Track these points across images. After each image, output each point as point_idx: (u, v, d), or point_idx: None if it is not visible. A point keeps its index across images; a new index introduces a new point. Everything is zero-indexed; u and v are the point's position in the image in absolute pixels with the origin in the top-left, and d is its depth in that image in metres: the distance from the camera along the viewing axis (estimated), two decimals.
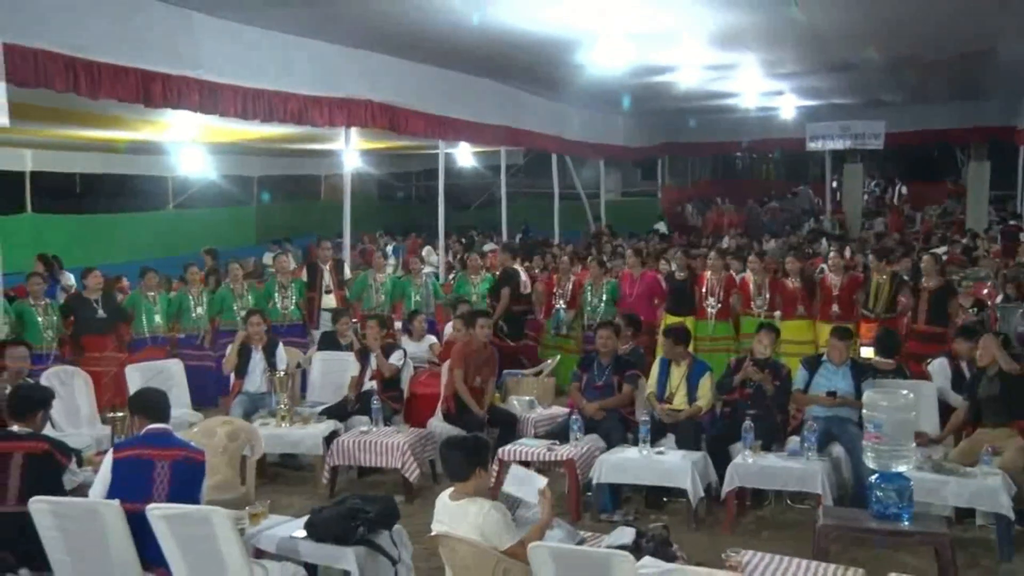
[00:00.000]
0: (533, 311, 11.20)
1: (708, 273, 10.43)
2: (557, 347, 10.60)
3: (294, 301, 10.50)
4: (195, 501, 4.59)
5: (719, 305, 10.15)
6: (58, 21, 8.00)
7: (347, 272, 11.78)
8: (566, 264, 11.38)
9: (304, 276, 11.16)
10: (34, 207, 16.29)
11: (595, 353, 7.76)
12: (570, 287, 10.82)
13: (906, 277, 10.24)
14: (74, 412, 7.59)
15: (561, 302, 10.77)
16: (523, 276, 11.76)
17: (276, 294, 10.49)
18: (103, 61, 8.31)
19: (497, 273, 11.59)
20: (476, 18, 10.14)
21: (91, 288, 9.49)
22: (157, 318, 9.94)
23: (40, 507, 4.43)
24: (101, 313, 9.40)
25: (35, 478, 4.65)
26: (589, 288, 10.61)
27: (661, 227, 22.15)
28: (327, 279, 11.00)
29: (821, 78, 16.66)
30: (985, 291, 10.94)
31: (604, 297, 10.49)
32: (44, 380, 7.36)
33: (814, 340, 9.68)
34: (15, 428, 4.86)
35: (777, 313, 9.91)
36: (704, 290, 10.26)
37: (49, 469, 4.73)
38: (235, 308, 10.24)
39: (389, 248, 19.02)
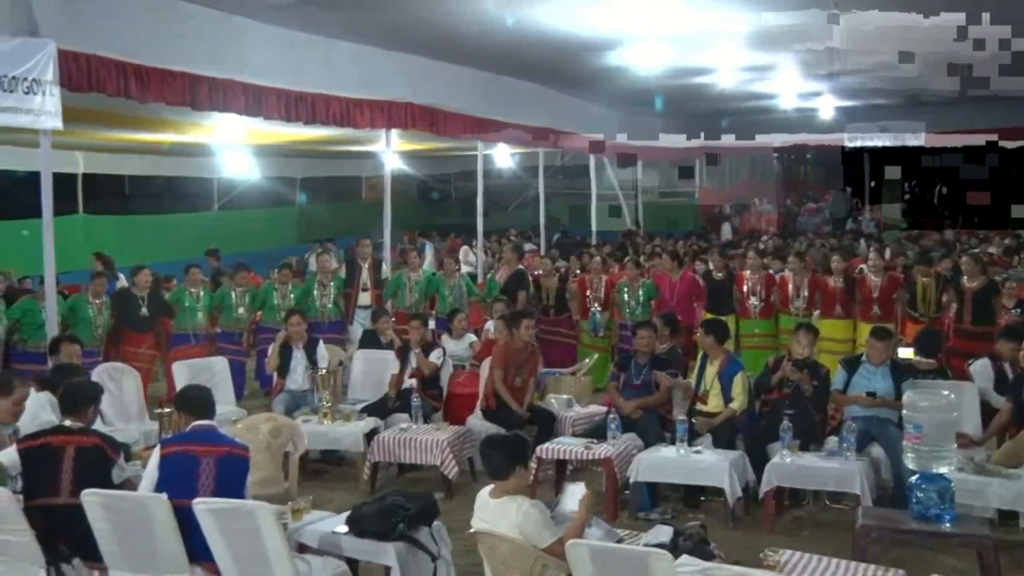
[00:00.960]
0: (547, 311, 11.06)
1: (747, 272, 10.38)
2: (593, 347, 10.59)
3: (332, 298, 10.55)
4: (239, 496, 4.61)
5: (761, 304, 10.13)
6: (109, 27, 8.14)
7: (385, 271, 11.84)
8: (598, 265, 11.35)
9: (343, 273, 11.21)
10: (85, 208, 16.52)
11: (632, 353, 7.72)
12: (603, 288, 10.81)
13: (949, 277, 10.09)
14: (123, 408, 7.68)
15: (596, 304, 10.76)
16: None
17: (316, 291, 10.54)
18: (152, 65, 8.45)
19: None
20: (511, 20, 10.14)
21: (140, 285, 9.64)
22: (199, 314, 10.04)
23: (92, 500, 4.49)
24: (144, 311, 9.54)
25: (86, 472, 4.69)
26: (625, 289, 10.56)
27: (726, 231, 22.17)
28: (364, 277, 11.05)
29: (860, 78, 16.47)
30: None
31: (640, 298, 10.44)
32: (95, 376, 7.46)
33: (852, 339, 9.62)
34: (67, 423, 4.92)
35: (816, 312, 9.82)
36: (745, 289, 10.23)
37: (99, 463, 4.76)
38: (277, 305, 10.31)
39: (427, 247, 19.08)
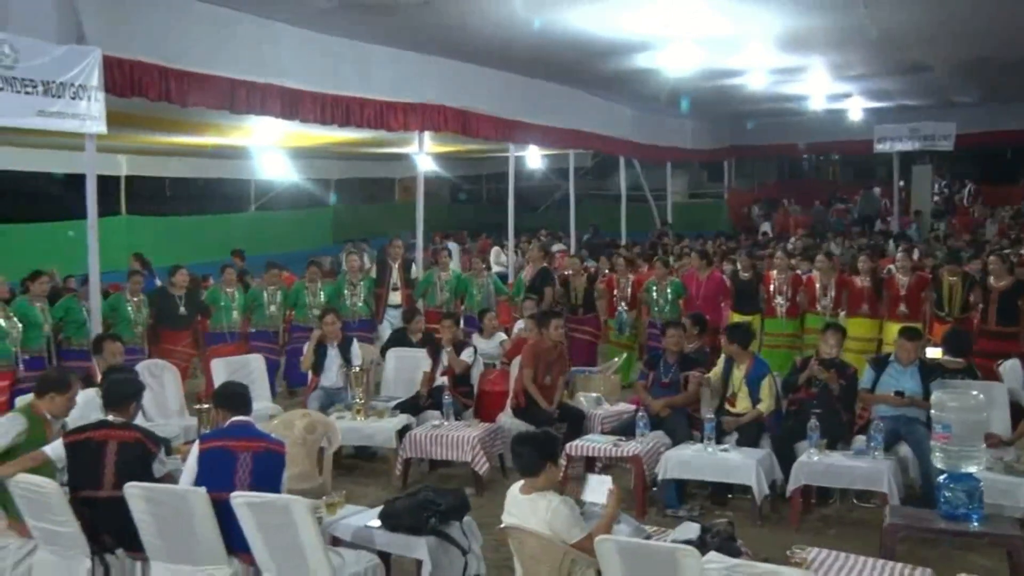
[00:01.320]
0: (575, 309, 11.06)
1: (774, 272, 10.35)
2: (620, 345, 10.63)
3: (363, 298, 10.61)
4: (275, 491, 4.66)
5: (787, 303, 10.09)
6: (152, 34, 8.25)
7: (416, 271, 11.88)
8: (623, 266, 11.36)
9: (374, 273, 11.28)
10: (128, 209, 16.78)
11: (661, 352, 7.72)
12: (629, 288, 10.83)
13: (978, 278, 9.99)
14: (163, 404, 7.78)
15: (623, 303, 10.78)
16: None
17: (346, 291, 10.60)
18: (192, 70, 8.56)
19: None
20: (538, 23, 10.17)
21: (177, 285, 9.78)
22: (234, 313, 10.14)
23: (133, 492, 4.56)
24: (183, 310, 9.68)
25: (127, 465, 4.77)
26: (654, 287, 10.56)
27: (766, 228, 22.11)
28: (395, 276, 11.11)
29: (890, 80, 16.31)
30: None
31: (669, 296, 10.44)
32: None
33: (879, 338, 9.59)
34: (110, 417, 5.01)
35: (842, 312, 9.76)
36: (772, 289, 10.20)
37: (140, 457, 4.84)
38: (308, 304, 10.38)
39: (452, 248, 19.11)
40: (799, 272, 10.72)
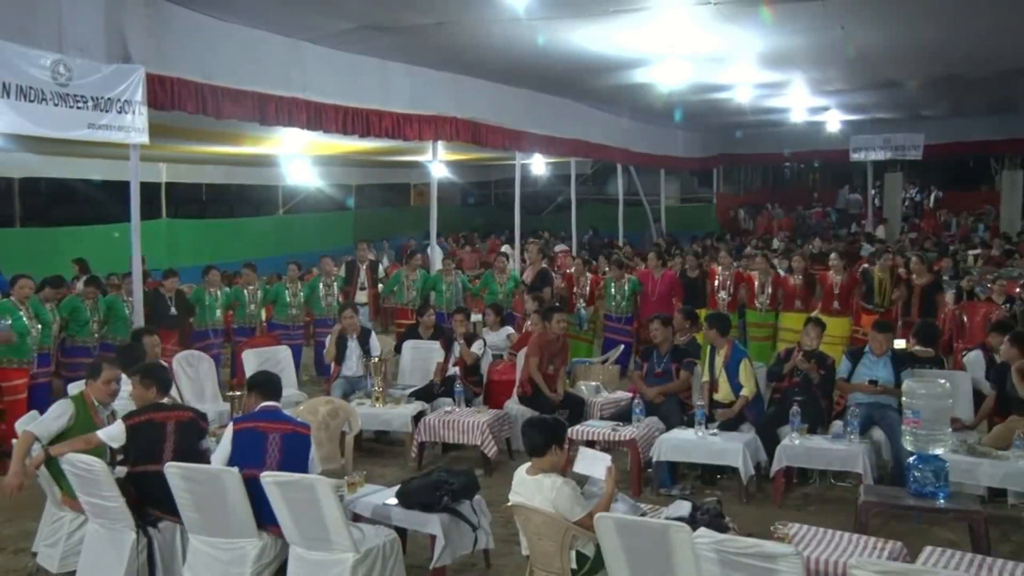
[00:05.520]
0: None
1: (719, 269, 10.47)
2: (578, 338, 10.64)
3: (336, 297, 10.59)
4: (304, 469, 4.68)
5: (729, 298, 10.17)
6: (190, 53, 8.27)
7: (380, 272, 11.84)
8: (580, 266, 11.34)
9: (342, 273, 11.20)
10: (168, 213, 16.79)
11: (655, 345, 7.71)
12: (588, 287, 10.91)
13: (946, 277, 10.07)
14: (199, 390, 7.80)
15: (581, 300, 10.83)
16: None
17: (321, 291, 10.58)
18: (226, 86, 8.57)
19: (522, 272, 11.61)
20: (542, 40, 10.15)
21: (168, 287, 9.61)
22: (217, 312, 9.99)
23: (173, 471, 4.58)
24: (173, 310, 9.50)
25: (185, 440, 4.85)
26: (612, 284, 10.64)
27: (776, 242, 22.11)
28: (362, 277, 11.11)
29: (865, 95, 16.27)
30: (1017, 289, 10.59)
31: (626, 292, 10.54)
32: (176, 363, 7.59)
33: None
34: (164, 400, 5.10)
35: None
36: (716, 284, 10.32)
37: (195, 433, 4.94)
38: (288, 303, 10.38)
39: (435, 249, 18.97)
40: (740, 269, 10.78)
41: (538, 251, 12.64)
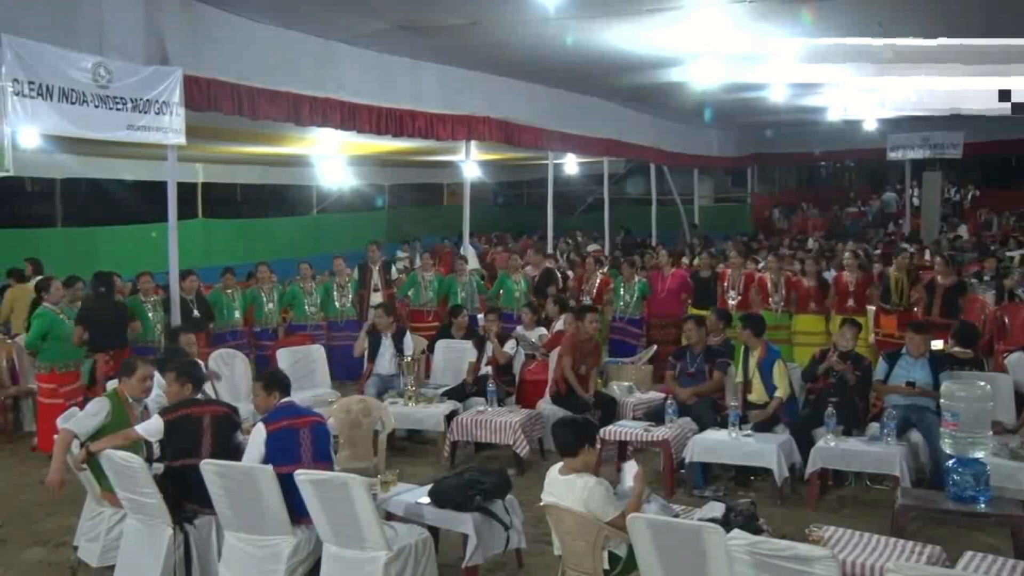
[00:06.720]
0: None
1: (729, 271, 10.35)
2: None
3: (350, 299, 10.57)
4: (329, 457, 4.88)
5: (739, 298, 10.05)
6: (226, 55, 8.36)
7: (394, 273, 11.82)
8: (591, 265, 11.28)
9: (356, 275, 11.15)
10: (204, 213, 17.00)
11: (688, 345, 7.66)
12: (596, 287, 10.86)
13: (986, 278, 9.89)
14: (234, 388, 7.86)
15: (587, 299, 10.80)
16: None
17: (335, 293, 10.54)
18: (262, 87, 8.66)
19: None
20: (570, 40, 10.12)
21: (186, 290, 9.25)
22: (236, 314, 10.00)
23: (208, 468, 4.64)
24: (196, 313, 9.33)
25: (221, 435, 4.97)
26: (622, 286, 10.59)
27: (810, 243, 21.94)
28: (376, 278, 11.08)
29: (905, 96, 15.97)
30: None
31: (635, 294, 10.49)
32: (211, 362, 7.67)
33: (825, 331, 9.45)
34: (199, 396, 5.21)
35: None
36: (726, 284, 10.21)
37: (230, 427, 5.07)
38: (305, 303, 10.38)
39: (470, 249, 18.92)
40: (751, 270, 10.61)
41: (538, 252, 12.61)
